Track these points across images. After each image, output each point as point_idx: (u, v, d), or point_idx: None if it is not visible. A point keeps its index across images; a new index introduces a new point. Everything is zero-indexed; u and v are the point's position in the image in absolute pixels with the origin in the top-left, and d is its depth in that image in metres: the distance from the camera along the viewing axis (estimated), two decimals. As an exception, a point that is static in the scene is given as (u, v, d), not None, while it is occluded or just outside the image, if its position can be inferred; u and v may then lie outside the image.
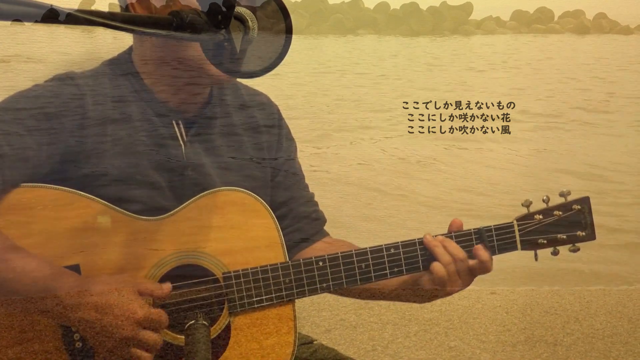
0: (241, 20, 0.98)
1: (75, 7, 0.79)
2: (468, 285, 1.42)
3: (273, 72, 1.03)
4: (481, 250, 1.40)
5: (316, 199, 1.59)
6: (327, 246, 1.52)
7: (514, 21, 41.46)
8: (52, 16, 0.73)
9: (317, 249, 1.51)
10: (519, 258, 1.52)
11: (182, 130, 1.35)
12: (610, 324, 3.67)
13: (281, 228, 1.37)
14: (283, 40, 1.01)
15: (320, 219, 1.56)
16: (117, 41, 1.36)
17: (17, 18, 0.70)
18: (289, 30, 1.02)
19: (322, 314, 3.64)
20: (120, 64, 1.36)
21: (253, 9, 1.00)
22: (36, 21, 0.72)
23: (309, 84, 14.28)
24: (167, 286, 1.22)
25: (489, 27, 38.91)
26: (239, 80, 1.47)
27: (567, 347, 3.37)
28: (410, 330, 3.53)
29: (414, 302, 1.48)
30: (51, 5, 0.73)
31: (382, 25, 37.57)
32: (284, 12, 1.03)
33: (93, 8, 0.85)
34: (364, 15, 38.52)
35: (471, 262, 1.40)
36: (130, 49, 1.38)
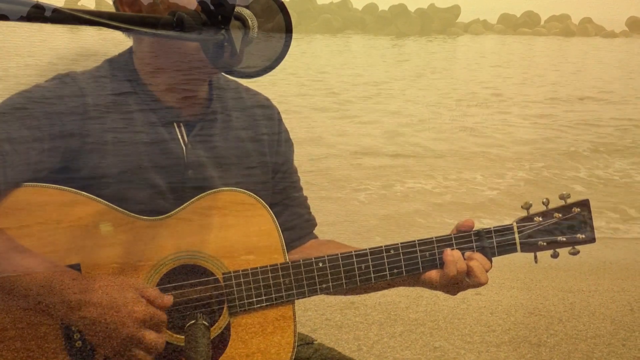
0: (241, 20, 0.98)
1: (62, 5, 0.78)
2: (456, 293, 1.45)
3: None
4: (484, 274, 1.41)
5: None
6: (317, 246, 1.54)
7: (501, 24, 41.68)
8: (37, 13, 0.72)
9: (307, 248, 1.53)
10: (505, 259, 1.53)
11: (183, 131, 1.35)
12: (593, 325, 3.71)
13: None
14: (283, 40, 1.02)
15: (311, 221, 1.58)
16: (103, 40, 1.34)
17: (3, 14, 0.70)
18: (288, 30, 1.02)
19: (307, 313, 3.64)
20: (121, 64, 1.35)
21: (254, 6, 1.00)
22: (21, 18, 0.71)
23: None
24: (169, 299, 1.22)
25: (477, 29, 39.08)
26: (239, 80, 1.47)
27: (550, 348, 3.41)
28: (396, 331, 3.55)
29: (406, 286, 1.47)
30: (36, 1, 0.72)
31: (370, 26, 37.64)
32: (283, 11, 1.03)
33: (79, 4, 0.84)
34: (352, 15, 38.58)
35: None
36: (131, 49, 1.37)
